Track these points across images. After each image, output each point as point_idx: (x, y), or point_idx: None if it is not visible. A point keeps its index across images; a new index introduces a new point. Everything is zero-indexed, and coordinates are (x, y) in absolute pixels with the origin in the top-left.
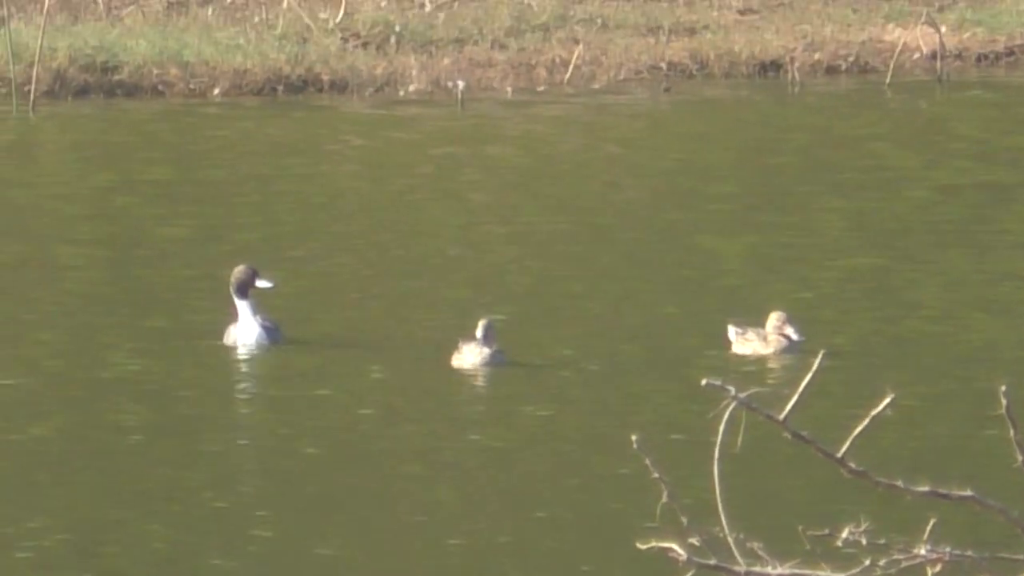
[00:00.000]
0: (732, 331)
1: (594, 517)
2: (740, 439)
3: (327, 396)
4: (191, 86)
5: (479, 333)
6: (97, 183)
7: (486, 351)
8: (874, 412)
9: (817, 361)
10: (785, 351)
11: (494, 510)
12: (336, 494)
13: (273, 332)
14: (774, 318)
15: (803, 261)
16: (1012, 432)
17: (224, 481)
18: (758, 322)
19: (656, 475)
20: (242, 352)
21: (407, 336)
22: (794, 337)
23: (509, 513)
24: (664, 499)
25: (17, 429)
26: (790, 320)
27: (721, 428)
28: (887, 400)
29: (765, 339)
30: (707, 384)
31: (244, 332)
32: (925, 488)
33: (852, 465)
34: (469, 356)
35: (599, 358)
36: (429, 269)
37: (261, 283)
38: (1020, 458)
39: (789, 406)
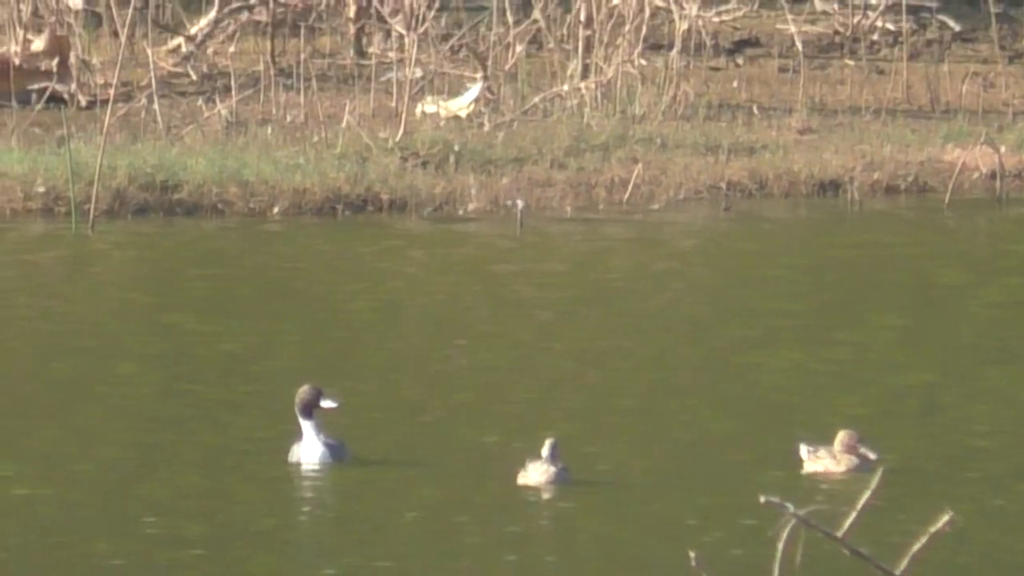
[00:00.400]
0: (804, 449)
1: None
2: (799, 556)
3: (394, 514)
4: (251, 205)
5: (545, 451)
6: (153, 300)
7: (552, 469)
8: (933, 529)
9: (876, 479)
10: (856, 469)
11: None
12: None
13: (338, 450)
14: (843, 436)
15: (859, 378)
16: None
17: None
18: (824, 440)
19: None
20: (307, 470)
21: (470, 453)
22: (871, 456)
23: None
24: None
25: (71, 545)
26: (862, 439)
27: (780, 545)
28: (945, 518)
29: (835, 457)
30: (766, 502)
31: (308, 451)
32: None
33: None
34: (535, 474)
35: (661, 475)
36: (487, 386)
37: (326, 403)
38: None
39: (848, 523)
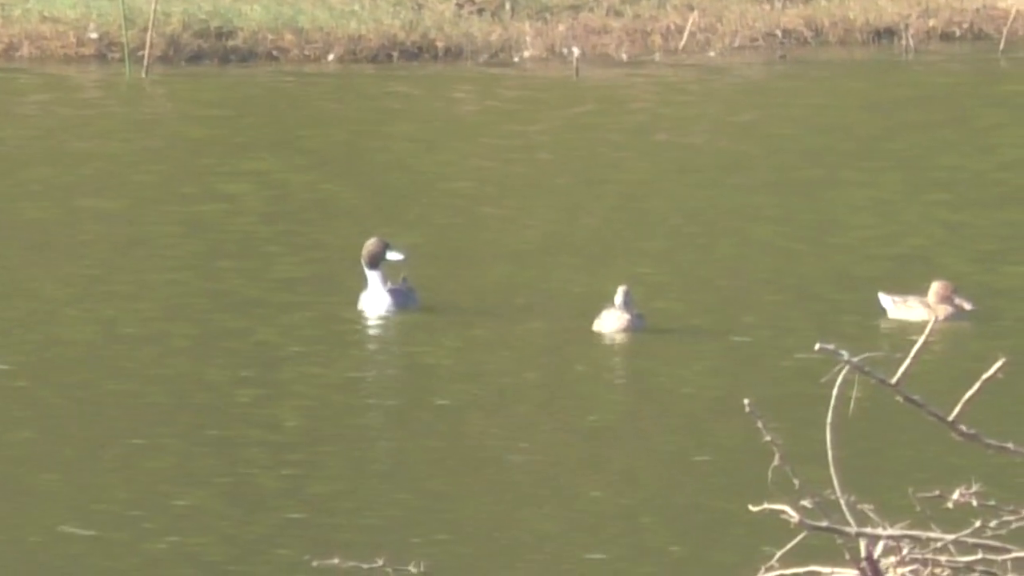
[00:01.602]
0: (887, 299)
1: (713, 479)
2: (853, 403)
3: (464, 359)
4: (305, 52)
5: (618, 299)
6: (207, 145)
7: (626, 316)
8: (985, 376)
9: (929, 326)
10: (952, 318)
11: (617, 468)
12: (476, 453)
13: (405, 296)
14: (938, 286)
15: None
16: None
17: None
18: (915, 289)
19: (768, 438)
20: (372, 319)
21: (541, 301)
22: (967, 307)
23: (636, 472)
24: (776, 462)
25: (138, 386)
26: (957, 290)
27: (834, 392)
28: (998, 363)
29: (930, 307)
30: (820, 348)
31: (374, 301)
32: None
33: (963, 428)
34: (610, 321)
35: (742, 324)
36: (553, 234)
37: (392, 255)
38: None
39: (901, 369)
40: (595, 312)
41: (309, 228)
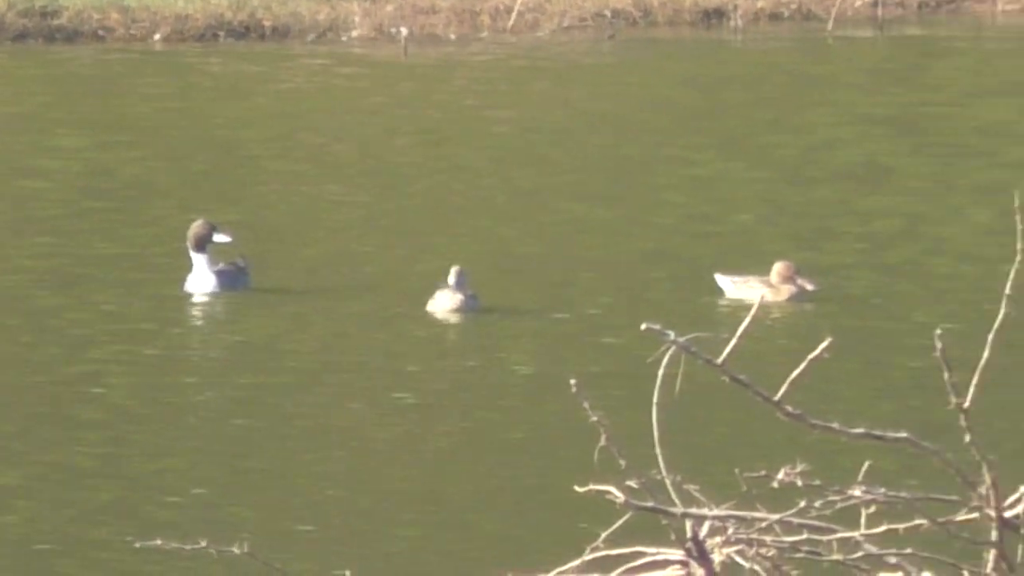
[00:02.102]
0: (725, 279)
1: (539, 460)
2: (679, 383)
3: (292, 339)
4: (132, 31)
5: (451, 279)
6: (34, 126)
7: (459, 296)
8: (811, 356)
9: (755, 307)
10: (794, 299)
11: (443, 448)
12: (294, 432)
13: (234, 277)
14: (780, 266)
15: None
16: (947, 375)
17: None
18: (743, 268)
19: (594, 418)
20: (198, 299)
21: (373, 280)
22: (808, 287)
23: (456, 451)
24: (602, 442)
25: None
26: (799, 270)
27: (660, 372)
28: (824, 344)
29: (772, 286)
30: (647, 328)
31: (200, 282)
32: (860, 430)
33: (789, 408)
34: (443, 301)
35: (572, 304)
36: (384, 213)
37: (219, 237)
38: (954, 401)
39: (727, 350)
40: (429, 292)
41: (130, 206)
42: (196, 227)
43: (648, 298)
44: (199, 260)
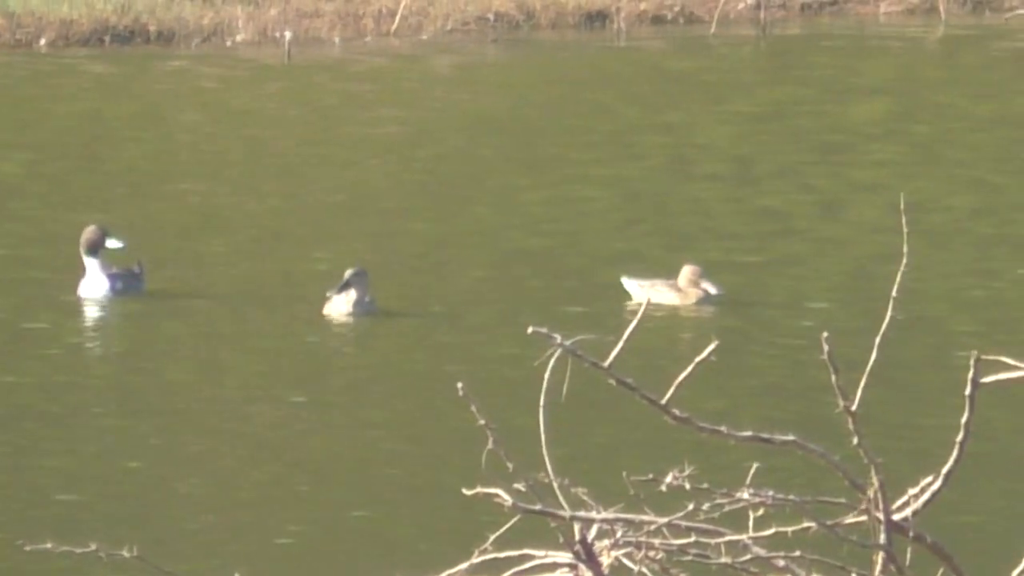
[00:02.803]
0: (632, 283)
1: (428, 463)
2: (565, 386)
3: (183, 343)
4: (17, 36)
5: (346, 281)
6: None
7: (354, 299)
8: (697, 359)
9: (641, 311)
10: (702, 303)
11: (331, 448)
12: (183, 435)
13: (127, 281)
14: (687, 271)
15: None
16: (833, 378)
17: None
18: (656, 274)
19: (482, 421)
20: (89, 304)
21: (269, 284)
22: (712, 291)
23: (344, 453)
24: (490, 445)
25: None
26: (705, 274)
27: (546, 375)
28: (711, 347)
29: (681, 291)
30: (533, 331)
31: (93, 286)
32: (748, 433)
33: (676, 412)
34: (339, 305)
35: (470, 306)
36: (275, 215)
37: (111, 243)
38: (841, 403)
39: (614, 353)
40: (321, 294)
41: (16, 211)
42: (88, 232)
43: (543, 300)
44: (92, 264)
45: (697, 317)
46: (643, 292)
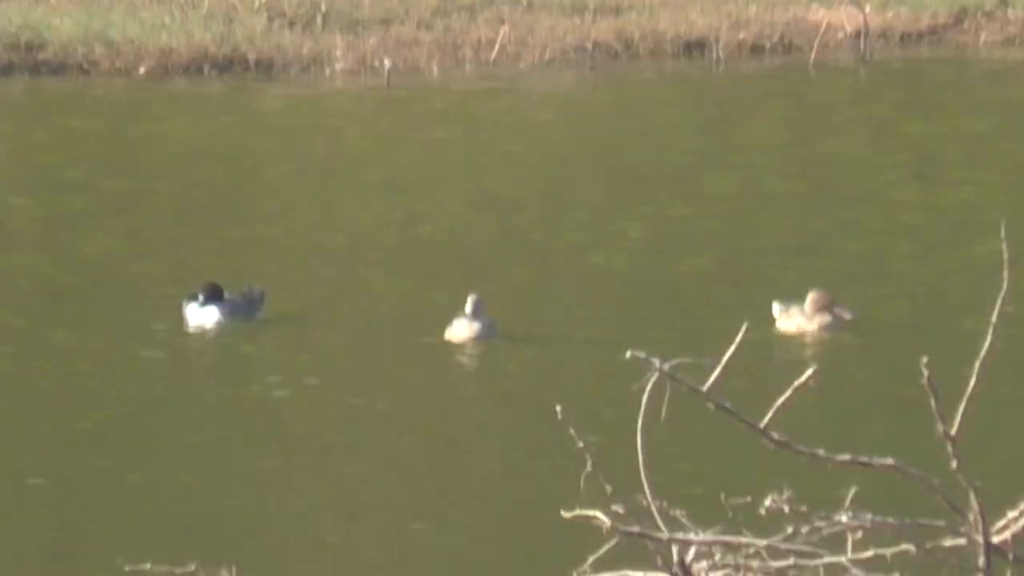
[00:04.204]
0: (777, 307)
1: (531, 485)
2: (664, 410)
3: (304, 367)
4: (116, 65)
5: (469, 308)
6: (23, 156)
7: (476, 324)
8: (796, 383)
9: (740, 335)
10: (829, 328)
11: (439, 470)
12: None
13: (240, 307)
14: (814, 295)
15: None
16: (933, 403)
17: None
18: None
19: (580, 444)
20: (196, 332)
21: (389, 309)
22: (846, 316)
23: (450, 474)
24: (588, 468)
25: None
26: (836, 298)
27: (644, 399)
28: (809, 371)
29: (809, 317)
30: (631, 355)
31: (202, 313)
32: (847, 456)
33: (775, 435)
34: (460, 329)
35: (595, 332)
36: (394, 242)
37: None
38: (940, 428)
39: (712, 377)
40: (446, 321)
41: (126, 227)
42: (204, 287)
43: (681, 330)
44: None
45: (826, 341)
46: (780, 318)
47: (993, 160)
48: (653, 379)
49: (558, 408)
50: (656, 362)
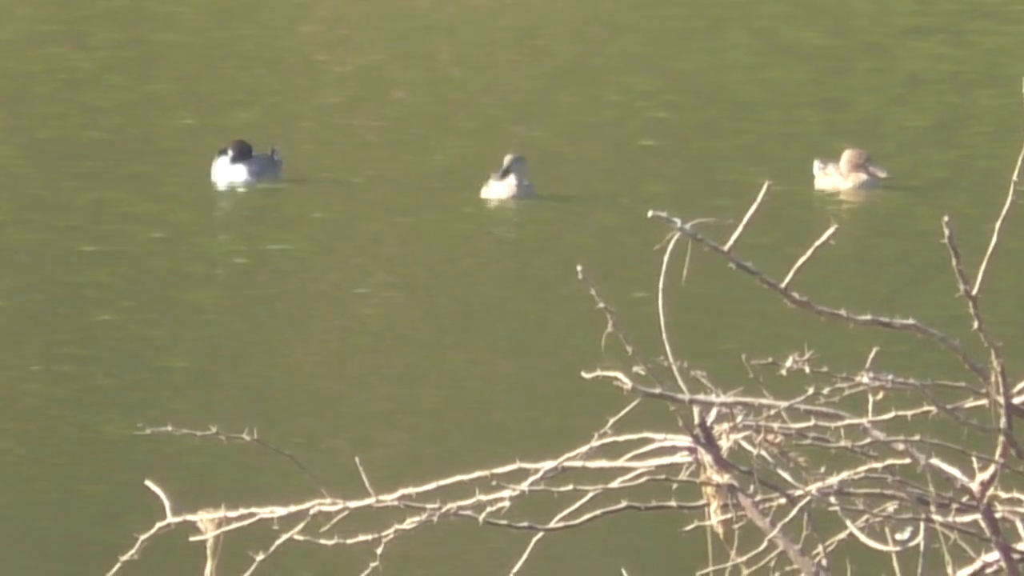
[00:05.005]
0: (817, 165)
1: (550, 345)
2: (685, 270)
3: (332, 228)
4: None
5: (505, 165)
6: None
7: (514, 184)
8: (817, 243)
9: (762, 193)
10: (863, 186)
11: (455, 328)
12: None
13: (267, 165)
14: (849, 154)
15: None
16: (954, 262)
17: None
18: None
19: (601, 304)
20: (225, 190)
21: (426, 168)
22: (881, 175)
23: (461, 338)
24: (609, 328)
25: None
26: (871, 157)
27: (665, 259)
28: (830, 230)
29: (845, 175)
30: (653, 215)
31: (229, 172)
32: (868, 316)
33: (796, 295)
34: (497, 188)
35: (639, 193)
36: (434, 109)
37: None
38: (962, 287)
39: (734, 236)
40: (482, 179)
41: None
42: (234, 144)
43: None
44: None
45: (860, 199)
46: (819, 173)
47: None
48: (674, 239)
49: (579, 267)
50: (677, 221)
